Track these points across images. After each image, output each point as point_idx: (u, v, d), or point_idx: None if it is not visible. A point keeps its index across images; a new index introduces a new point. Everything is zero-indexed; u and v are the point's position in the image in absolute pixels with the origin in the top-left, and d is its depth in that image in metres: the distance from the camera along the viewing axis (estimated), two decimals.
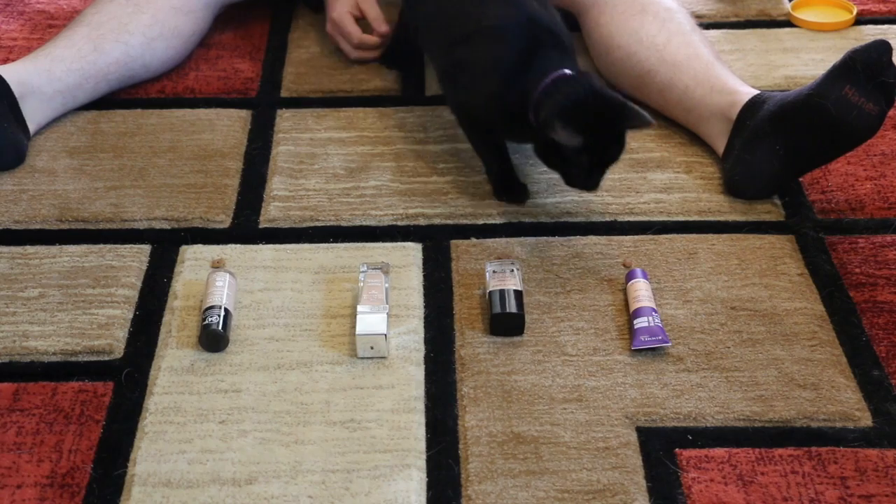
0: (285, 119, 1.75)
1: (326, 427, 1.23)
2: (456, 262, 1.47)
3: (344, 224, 1.53)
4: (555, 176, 1.49)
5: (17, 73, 1.65)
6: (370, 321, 1.32)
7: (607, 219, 1.53)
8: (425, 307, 1.40)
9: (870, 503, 1.15)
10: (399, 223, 1.53)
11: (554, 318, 1.38)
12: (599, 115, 1.39)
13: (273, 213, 1.56)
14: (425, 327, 1.37)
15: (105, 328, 1.36)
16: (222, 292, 1.36)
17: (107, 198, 1.58)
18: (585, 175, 1.43)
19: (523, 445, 1.21)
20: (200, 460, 1.19)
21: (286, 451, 1.20)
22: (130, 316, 1.39)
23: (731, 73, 1.64)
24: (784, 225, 1.53)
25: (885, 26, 1.98)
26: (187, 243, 1.50)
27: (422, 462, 1.20)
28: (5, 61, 1.84)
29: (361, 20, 1.86)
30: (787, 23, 2.00)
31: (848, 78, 1.42)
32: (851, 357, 1.32)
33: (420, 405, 1.26)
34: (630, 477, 1.18)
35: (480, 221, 1.54)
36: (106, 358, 1.33)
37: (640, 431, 1.23)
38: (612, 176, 1.53)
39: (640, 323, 1.33)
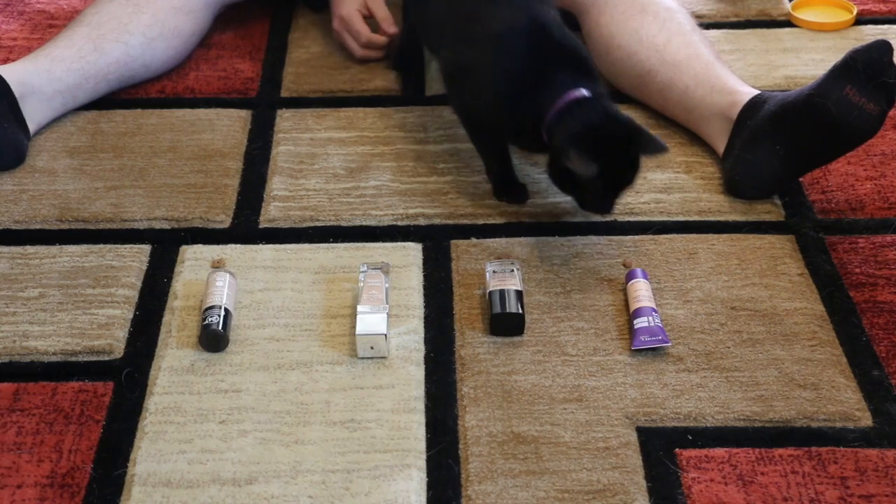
0: (285, 119, 1.75)
1: (326, 427, 1.23)
2: (456, 262, 1.47)
3: (344, 224, 1.53)
4: None
5: (17, 73, 1.65)
6: (370, 321, 1.32)
7: (607, 219, 1.53)
8: (425, 307, 1.40)
9: (870, 503, 1.15)
10: (399, 223, 1.53)
11: (554, 318, 1.38)
12: (614, 141, 1.38)
13: (273, 213, 1.56)
14: (425, 327, 1.37)
15: (105, 328, 1.36)
16: (222, 292, 1.36)
17: (107, 198, 1.58)
18: (600, 200, 1.43)
19: (523, 445, 1.21)
20: (200, 460, 1.19)
21: (286, 451, 1.20)
22: (130, 316, 1.39)
23: (731, 73, 1.64)
24: (784, 225, 1.53)
25: (886, 26, 1.98)
26: (187, 243, 1.50)
27: (422, 462, 1.20)
28: (5, 61, 1.84)
29: (369, 19, 1.87)
30: (787, 23, 2.00)
31: (849, 78, 1.42)
32: (851, 357, 1.32)
33: (420, 405, 1.26)
34: (630, 477, 1.18)
35: (480, 221, 1.54)
36: (106, 358, 1.33)
37: (641, 431, 1.23)
38: None
39: (640, 323, 1.33)
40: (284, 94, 1.83)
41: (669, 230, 1.51)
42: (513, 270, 1.40)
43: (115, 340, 1.35)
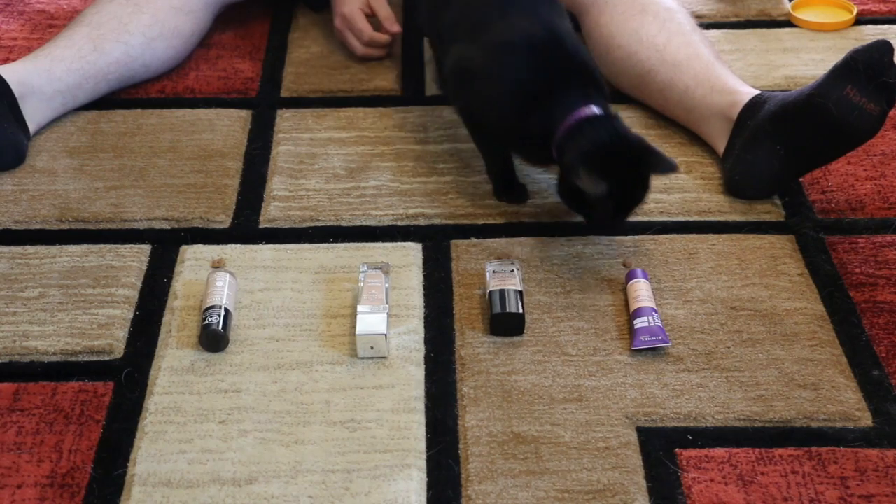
0: (285, 119, 1.75)
1: (326, 427, 1.23)
2: (456, 262, 1.47)
3: (344, 224, 1.53)
4: (555, 176, 1.49)
5: (17, 73, 1.65)
6: (370, 321, 1.32)
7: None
8: (425, 307, 1.40)
9: (870, 503, 1.15)
10: (399, 223, 1.53)
11: (554, 318, 1.38)
12: (625, 160, 1.38)
13: (273, 213, 1.56)
14: (425, 327, 1.37)
15: (105, 328, 1.36)
16: (222, 292, 1.36)
17: (107, 198, 1.58)
18: (609, 219, 1.43)
19: (523, 445, 1.21)
20: (200, 460, 1.19)
21: (286, 451, 1.20)
22: (130, 316, 1.39)
23: (731, 73, 1.64)
24: (784, 225, 1.53)
25: (886, 26, 1.98)
26: (187, 243, 1.50)
27: (422, 462, 1.20)
28: (5, 61, 1.84)
29: (371, 18, 1.87)
30: (787, 23, 2.00)
31: (849, 78, 1.42)
32: (851, 357, 1.32)
33: (420, 405, 1.26)
34: (630, 477, 1.18)
35: (480, 221, 1.54)
36: (106, 358, 1.33)
37: (641, 431, 1.23)
38: None
39: (641, 323, 1.33)
40: (284, 94, 1.83)
41: (669, 230, 1.51)
42: (513, 270, 1.40)
43: (115, 340, 1.35)
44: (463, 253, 1.48)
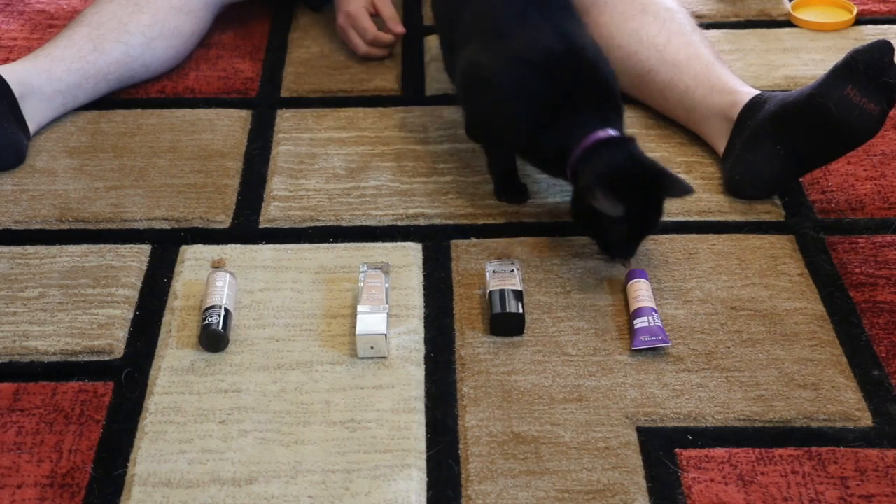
0: (285, 119, 1.75)
1: (326, 427, 1.23)
2: (456, 262, 1.47)
3: (344, 224, 1.53)
4: (556, 178, 1.49)
5: (17, 73, 1.65)
6: (370, 321, 1.32)
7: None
8: (425, 307, 1.40)
9: (870, 503, 1.15)
10: (399, 223, 1.53)
11: (554, 318, 1.38)
12: (640, 184, 1.37)
13: (273, 213, 1.56)
14: (425, 327, 1.37)
15: (105, 328, 1.36)
16: (222, 292, 1.36)
17: (107, 198, 1.58)
18: (623, 243, 1.41)
19: (523, 445, 1.21)
20: (200, 460, 1.19)
21: (286, 451, 1.20)
22: (130, 316, 1.39)
23: (731, 74, 1.64)
24: (784, 225, 1.53)
25: (886, 26, 1.98)
26: (187, 243, 1.50)
27: (422, 462, 1.20)
28: (5, 61, 1.84)
29: (375, 18, 1.87)
30: (787, 23, 2.00)
31: (850, 78, 1.42)
32: (851, 357, 1.32)
33: (420, 405, 1.26)
34: (630, 477, 1.18)
35: (480, 221, 1.54)
36: (106, 358, 1.33)
37: (641, 431, 1.23)
38: None
39: (641, 323, 1.33)
40: (284, 94, 1.83)
41: (669, 230, 1.51)
42: (513, 270, 1.40)
43: (115, 340, 1.35)
44: (463, 253, 1.48)
